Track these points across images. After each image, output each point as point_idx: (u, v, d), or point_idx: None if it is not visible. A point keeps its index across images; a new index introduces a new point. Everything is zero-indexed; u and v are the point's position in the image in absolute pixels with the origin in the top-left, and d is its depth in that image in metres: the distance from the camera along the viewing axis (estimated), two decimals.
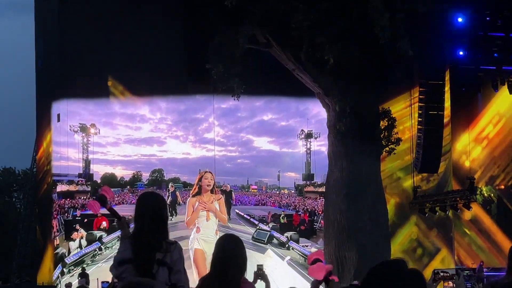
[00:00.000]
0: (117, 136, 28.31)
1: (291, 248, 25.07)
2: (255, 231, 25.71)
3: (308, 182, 28.89)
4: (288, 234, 25.73)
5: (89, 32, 25.74)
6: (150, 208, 5.82)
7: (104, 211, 6.82)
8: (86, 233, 25.46)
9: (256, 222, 26.64)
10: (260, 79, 24.61)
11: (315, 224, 26.52)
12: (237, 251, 5.34)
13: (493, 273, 27.16)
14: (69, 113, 26.93)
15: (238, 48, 19.28)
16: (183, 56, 22.97)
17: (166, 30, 25.29)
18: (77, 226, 25.72)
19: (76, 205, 27.02)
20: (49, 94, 27.24)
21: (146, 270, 5.49)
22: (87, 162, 27.86)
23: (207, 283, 5.22)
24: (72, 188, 27.62)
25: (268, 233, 25.51)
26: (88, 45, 25.69)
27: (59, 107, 26.95)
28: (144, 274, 5.43)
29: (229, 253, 5.31)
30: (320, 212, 25.83)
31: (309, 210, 27.33)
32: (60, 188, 27.25)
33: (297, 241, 25.42)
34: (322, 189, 25.75)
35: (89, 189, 27.76)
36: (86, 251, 25.02)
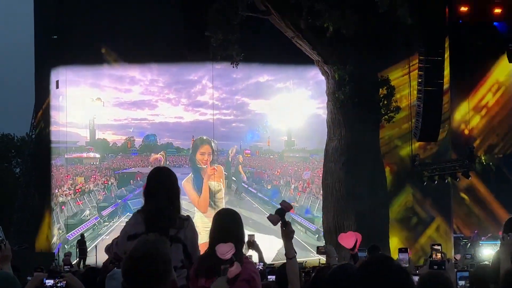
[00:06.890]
0: (106, 99, 28.06)
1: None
2: None
3: (286, 148, 29.10)
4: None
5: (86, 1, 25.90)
6: (165, 185, 5.66)
7: None
8: None
9: None
10: (260, 47, 24.52)
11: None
12: (235, 225, 5.22)
13: (490, 241, 27.25)
14: (67, 80, 26.95)
15: (237, 16, 19.21)
16: (181, 25, 22.86)
17: None
18: None
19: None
20: (47, 62, 27.26)
21: None
22: (92, 132, 27.94)
23: (208, 258, 5.08)
24: (83, 155, 27.98)
25: None
26: (86, 13, 25.74)
27: (58, 74, 26.99)
28: None
29: (228, 226, 5.17)
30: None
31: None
32: (69, 155, 27.56)
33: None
34: (299, 154, 28.74)
35: (98, 155, 27.91)
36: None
